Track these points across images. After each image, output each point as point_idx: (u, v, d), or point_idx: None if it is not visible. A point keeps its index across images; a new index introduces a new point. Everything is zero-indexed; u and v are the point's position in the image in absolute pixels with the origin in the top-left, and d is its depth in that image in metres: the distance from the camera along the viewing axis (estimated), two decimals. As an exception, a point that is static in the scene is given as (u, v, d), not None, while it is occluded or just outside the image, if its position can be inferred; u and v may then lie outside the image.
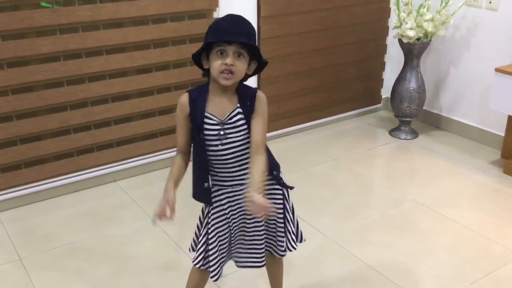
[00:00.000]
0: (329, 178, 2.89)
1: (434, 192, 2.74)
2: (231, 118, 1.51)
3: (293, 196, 2.72)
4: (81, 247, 2.29)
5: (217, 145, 1.51)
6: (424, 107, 3.46)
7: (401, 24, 3.13)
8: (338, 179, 2.88)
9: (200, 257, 1.62)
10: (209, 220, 1.60)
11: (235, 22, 1.47)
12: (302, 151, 3.22)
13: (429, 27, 3.07)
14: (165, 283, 2.05)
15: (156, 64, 2.76)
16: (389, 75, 3.73)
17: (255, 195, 1.40)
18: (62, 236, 2.37)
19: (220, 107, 1.51)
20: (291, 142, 3.34)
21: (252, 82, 3.13)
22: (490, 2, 3.07)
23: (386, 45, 3.67)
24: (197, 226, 1.68)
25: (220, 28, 1.45)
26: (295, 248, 1.71)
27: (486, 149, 3.22)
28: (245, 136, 1.53)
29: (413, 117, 3.37)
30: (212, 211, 1.60)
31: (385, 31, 3.62)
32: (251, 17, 3.01)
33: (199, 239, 1.63)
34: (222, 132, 1.51)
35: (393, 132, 3.45)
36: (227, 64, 1.43)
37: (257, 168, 1.48)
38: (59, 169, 2.65)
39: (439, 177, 2.90)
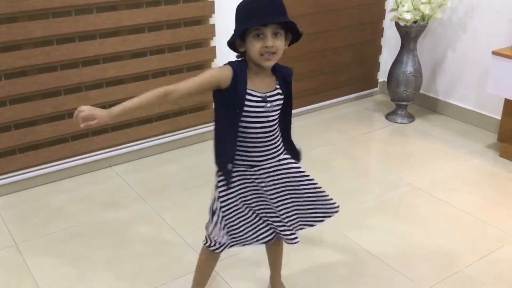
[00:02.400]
0: (326, 162, 2.88)
1: (431, 176, 2.73)
2: (272, 96, 1.52)
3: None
4: (77, 232, 2.29)
5: (254, 122, 1.50)
6: (420, 91, 3.45)
7: (398, 6, 3.10)
8: (334, 163, 2.88)
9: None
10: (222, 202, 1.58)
11: (270, 1, 1.42)
12: (299, 135, 3.16)
13: (426, 9, 3.04)
14: (162, 267, 2.05)
15: (151, 48, 2.73)
16: (386, 59, 3.71)
17: None
18: (58, 221, 2.36)
19: (261, 86, 1.51)
20: (288, 126, 3.32)
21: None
22: (488, -16, 3.04)
23: (382, 28, 3.65)
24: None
25: (253, 11, 1.41)
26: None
27: (483, 132, 3.22)
28: (278, 115, 1.56)
29: (409, 101, 3.36)
30: (223, 193, 1.57)
31: (381, 14, 3.59)
32: None
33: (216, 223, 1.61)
34: (268, 104, 1.51)
35: (389, 116, 3.44)
36: (268, 46, 1.42)
37: None
38: (54, 154, 2.63)
39: (436, 161, 2.90)
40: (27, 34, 2.38)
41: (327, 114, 3.52)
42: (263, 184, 1.58)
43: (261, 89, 1.51)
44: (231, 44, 1.49)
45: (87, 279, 2.00)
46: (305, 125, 3.35)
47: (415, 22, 3.12)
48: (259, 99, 1.50)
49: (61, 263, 2.09)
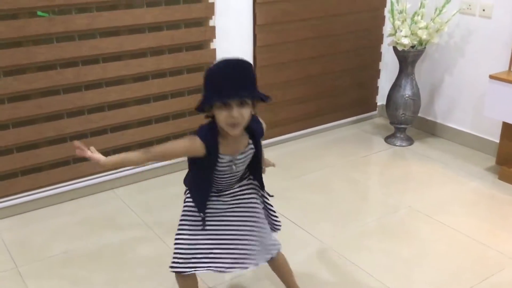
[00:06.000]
0: (325, 185, 2.89)
1: (430, 199, 2.75)
2: (243, 153, 1.60)
3: (290, 203, 2.73)
4: (78, 255, 2.29)
5: (226, 174, 1.62)
6: (419, 114, 3.48)
7: (396, 31, 3.15)
8: (334, 186, 2.89)
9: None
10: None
11: (235, 72, 1.45)
12: (299, 158, 3.23)
13: (423, 34, 3.09)
14: (162, 291, 2.05)
15: (153, 72, 2.77)
16: (384, 83, 3.75)
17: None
18: (59, 244, 2.36)
19: (232, 148, 1.58)
20: (288, 149, 3.34)
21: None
22: (484, 10, 3.10)
23: (381, 52, 3.70)
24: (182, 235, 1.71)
25: (221, 84, 1.44)
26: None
27: (481, 155, 3.24)
28: (249, 164, 1.66)
29: (408, 124, 3.39)
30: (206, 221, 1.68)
31: (379, 38, 3.65)
32: (247, 25, 3.02)
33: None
34: (234, 167, 1.60)
35: (388, 139, 3.47)
36: (233, 117, 1.45)
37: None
38: (55, 177, 2.65)
39: (435, 184, 2.92)
40: (31, 58, 2.42)
41: (326, 137, 3.55)
42: (225, 207, 1.69)
43: (233, 151, 1.58)
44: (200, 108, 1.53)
45: (87, 302, 2.00)
46: (304, 148, 3.37)
47: (412, 46, 3.17)
48: (229, 162, 1.59)
49: (61, 286, 2.09)
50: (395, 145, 3.41)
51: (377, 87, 3.81)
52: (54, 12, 2.45)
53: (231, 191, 1.70)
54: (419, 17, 3.11)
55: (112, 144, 2.76)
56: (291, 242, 2.37)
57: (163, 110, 2.86)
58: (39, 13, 2.42)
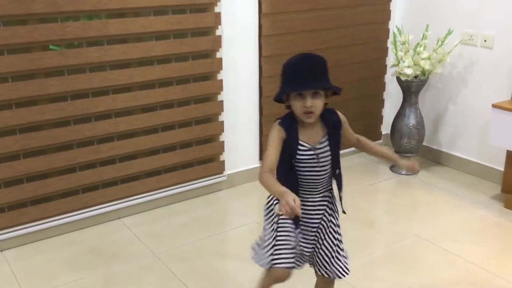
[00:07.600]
0: (332, 214, 2.90)
1: (437, 227, 2.75)
2: (321, 143, 1.71)
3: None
4: (86, 284, 2.30)
5: (313, 167, 1.70)
6: (423, 143, 3.51)
7: (399, 62, 3.21)
8: (340, 215, 2.89)
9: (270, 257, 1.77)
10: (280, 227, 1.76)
11: (310, 64, 1.64)
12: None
13: (426, 65, 3.14)
14: (170, 320, 2.06)
15: (161, 103, 2.82)
16: (388, 112, 3.80)
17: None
18: (67, 273, 2.38)
19: (310, 137, 1.70)
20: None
21: (254, 112, 3.19)
22: (485, 41, 3.16)
23: (384, 82, 3.75)
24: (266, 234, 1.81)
25: (297, 75, 1.63)
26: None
27: (487, 184, 3.25)
28: (330, 159, 1.73)
29: (413, 152, 3.42)
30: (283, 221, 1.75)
31: (383, 69, 3.70)
32: (253, 57, 3.09)
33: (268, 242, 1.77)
34: (316, 157, 1.69)
35: (394, 167, 3.49)
36: (306, 106, 1.60)
37: (379, 147, 2.07)
38: (64, 206, 2.68)
39: (441, 212, 2.92)
40: (43, 90, 2.48)
41: (332, 166, 3.56)
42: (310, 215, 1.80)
43: (311, 140, 1.69)
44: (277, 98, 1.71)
45: (95, 331, 2.00)
46: (310, 177, 3.38)
47: (415, 77, 3.22)
48: (309, 148, 1.68)
49: (70, 315, 2.10)
50: (400, 173, 3.43)
51: (382, 117, 3.85)
52: (65, 46, 2.53)
53: (315, 199, 1.79)
54: (422, 48, 3.17)
55: (121, 174, 2.80)
56: (298, 270, 2.37)
57: (171, 140, 2.90)
58: (51, 46, 2.50)
